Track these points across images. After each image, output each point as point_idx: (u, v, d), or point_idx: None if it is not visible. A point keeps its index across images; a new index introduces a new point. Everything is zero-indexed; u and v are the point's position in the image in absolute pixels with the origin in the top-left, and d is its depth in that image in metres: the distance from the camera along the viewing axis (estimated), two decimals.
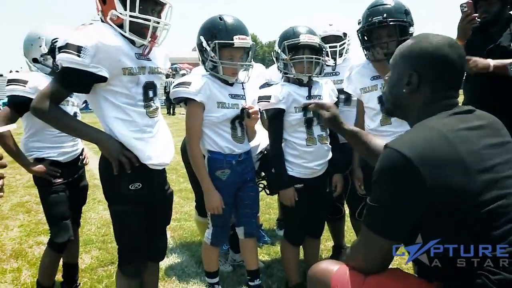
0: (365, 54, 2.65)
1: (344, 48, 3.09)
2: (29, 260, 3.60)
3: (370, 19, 2.51)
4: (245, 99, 2.54)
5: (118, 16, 1.89)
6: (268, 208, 4.80)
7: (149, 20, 1.90)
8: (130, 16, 1.88)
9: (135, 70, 1.96)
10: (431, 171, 1.19)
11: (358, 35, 2.64)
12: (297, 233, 2.71)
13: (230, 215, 2.60)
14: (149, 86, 2.05)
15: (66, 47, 1.80)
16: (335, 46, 3.04)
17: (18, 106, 2.45)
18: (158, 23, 1.95)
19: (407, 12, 2.52)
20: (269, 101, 2.56)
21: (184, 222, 4.47)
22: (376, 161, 1.34)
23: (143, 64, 2.01)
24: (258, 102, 2.65)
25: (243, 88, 2.56)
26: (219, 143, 2.46)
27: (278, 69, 2.69)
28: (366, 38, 2.59)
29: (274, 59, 2.75)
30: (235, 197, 2.58)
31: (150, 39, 1.94)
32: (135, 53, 1.97)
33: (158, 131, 2.09)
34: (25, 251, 3.80)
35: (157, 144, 2.06)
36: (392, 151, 1.27)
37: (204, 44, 2.41)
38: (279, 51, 2.61)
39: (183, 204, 5.18)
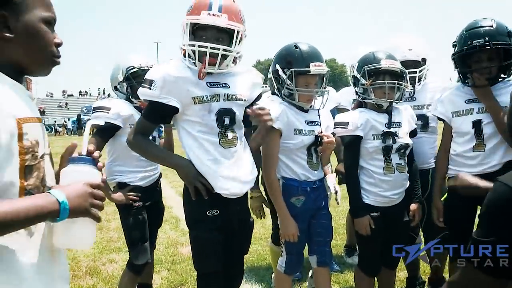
0: (461, 79, 2.55)
1: (422, 73, 2.99)
2: (103, 277, 3.74)
3: (469, 42, 2.39)
4: (320, 125, 2.52)
5: (182, 48, 2.06)
6: (335, 234, 4.67)
7: (205, 47, 1.96)
8: (189, 45, 2.01)
9: (206, 98, 2.05)
10: None
11: (453, 58, 2.53)
12: (373, 264, 2.62)
13: (305, 242, 2.56)
14: (224, 113, 2.09)
15: (143, 82, 2.04)
16: (415, 72, 2.94)
17: (103, 132, 2.59)
18: (218, 49, 1.97)
19: (510, 34, 2.37)
20: (346, 128, 2.53)
21: (251, 245, 4.45)
22: None
23: (217, 91, 2.08)
24: (334, 128, 2.63)
25: (319, 115, 2.55)
26: (295, 170, 2.45)
27: (357, 94, 2.66)
28: (463, 62, 2.48)
29: (352, 84, 2.72)
30: (309, 225, 2.54)
31: (201, 64, 2.01)
32: (207, 82, 2.06)
33: (234, 162, 2.11)
34: (99, 268, 3.96)
35: (229, 174, 2.07)
36: (504, 186, 1.20)
37: (280, 72, 2.44)
38: (358, 76, 2.58)
39: None
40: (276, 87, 2.53)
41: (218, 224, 2.07)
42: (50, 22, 1.23)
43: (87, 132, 1.33)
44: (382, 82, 2.48)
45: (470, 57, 2.43)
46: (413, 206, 2.65)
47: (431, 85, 2.99)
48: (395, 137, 2.50)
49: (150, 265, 2.94)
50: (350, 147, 2.58)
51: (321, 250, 2.54)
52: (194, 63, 2.05)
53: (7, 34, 1.14)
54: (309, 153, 2.47)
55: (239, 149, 2.15)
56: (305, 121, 2.47)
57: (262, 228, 5.10)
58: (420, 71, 2.97)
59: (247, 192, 2.28)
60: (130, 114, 2.63)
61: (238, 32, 2.02)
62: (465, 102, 2.52)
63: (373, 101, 2.53)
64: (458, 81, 2.59)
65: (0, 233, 0.99)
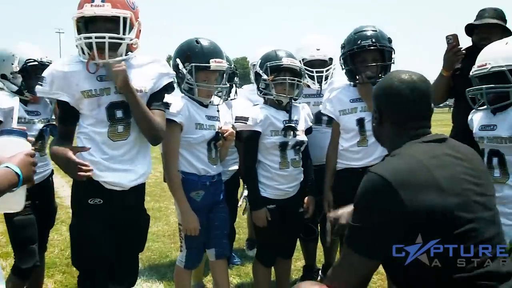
0: (348, 78, 2.77)
1: (329, 72, 3.18)
2: None
3: (359, 42, 2.62)
4: (219, 121, 2.57)
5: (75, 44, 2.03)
6: (238, 228, 4.77)
7: (90, 38, 1.94)
8: (76, 39, 1.99)
9: (95, 92, 2.02)
10: (409, 194, 1.28)
11: (341, 58, 2.76)
12: (269, 254, 2.74)
13: (205, 236, 2.58)
14: (117, 106, 2.05)
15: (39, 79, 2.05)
16: (322, 71, 3.13)
17: None
18: (103, 37, 1.93)
19: (390, 40, 2.69)
20: (246, 123, 2.60)
21: (152, 243, 4.37)
22: None
23: (107, 85, 2.04)
24: (235, 122, 2.70)
25: (218, 110, 2.60)
26: (195, 164, 2.46)
27: (258, 90, 2.75)
28: (351, 62, 2.70)
29: (254, 80, 2.81)
30: (207, 219, 2.57)
31: (88, 56, 1.98)
32: (98, 76, 2.03)
33: (123, 155, 2.07)
34: None
35: (115, 166, 2.05)
36: (373, 174, 1.36)
37: (181, 66, 2.44)
38: (260, 72, 2.68)
39: (151, 224, 5.06)
40: (176, 81, 2.52)
41: (101, 215, 2.03)
42: None
43: (17, 109, 1.57)
44: (283, 78, 2.60)
45: (357, 56, 2.66)
46: (307, 199, 2.81)
47: (337, 84, 3.10)
48: (295, 132, 2.64)
49: (39, 269, 2.76)
50: (249, 142, 2.66)
51: (219, 243, 2.59)
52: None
53: None
54: (209, 148, 2.50)
55: (132, 143, 2.10)
56: (205, 116, 2.50)
57: (166, 225, 5.04)
58: (327, 70, 3.15)
59: (140, 188, 2.21)
60: (11, 107, 2.38)
61: (125, 18, 1.97)
62: (350, 101, 2.74)
63: (274, 97, 2.64)
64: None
65: None
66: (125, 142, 2.08)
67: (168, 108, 2.33)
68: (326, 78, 3.17)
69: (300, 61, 3.13)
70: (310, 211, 2.82)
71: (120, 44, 1.99)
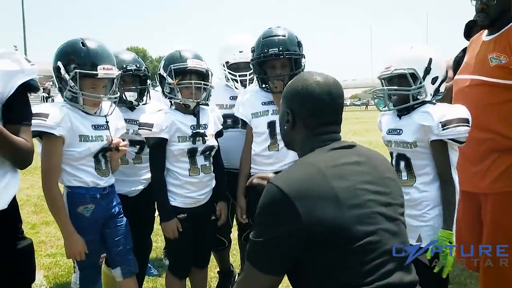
0: (259, 83, 2.70)
1: (253, 76, 3.00)
2: None
3: (266, 50, 2.55)
4: (108, 129, 2.32)
5: None
6: (155, 236, 4.58)
7: None
8: None
9: None
10: (305, 206, 1.23)
11: (251, 64, 2.68)
12: (183, 266, 2.61)
13: (99, 253, 2.38)
14: None
15: None
16: (245, 75, 3.01)
17: None
18: None
19: (299, 44, 2.62)
20: (151, 130, 2.44)
21: (60, 257, 4.06)
22: None
23: None
24: (139, 129, 2.53)
25: (106, 120, 2.32)
26: (81, 178, 2.21)
27: (163, 94, 2.59)
28: (260, 68, 2.63)
29: (158, 82, 2.65)
30: (103, 236, 2.35)
31: None
32: None
33: None
34: None
35: None
36: (272, 186, 1.30)
37: (63, 71, 2.16)
38: (164, 74, 2.52)
39: (60, 237, 4.71)
40: (57, 86, 2.27)
41: None
42: None
43: None
44: (189, 82, 2.47)
45: (266, 63, 2.60)
46: (219, 205, 2.72)
47: (250, 87, 3.00)
48: (204, 138, 2.52)
49: None
50: (155, 150, 2.50)
51: (123, 260, 2.39)
52: None
53: None
54: (96, 160, 2.27)
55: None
56: (91, 125, 2.25)
57: None
58: (251, 73, 2.99)
59: (8, 214, 1.71)
60: None
61: None
62: (262, 104, 2.69)
63: (180, 101, 2.50)
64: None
65: None
66: None
67: (43, 119, 2.06)
68: (252, 80, 3.04)
69: (223, 64, 3.03)
70: (223, 218, 2.74)
71: None
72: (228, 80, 3.10)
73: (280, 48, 2.53)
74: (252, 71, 2.99)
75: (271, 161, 2.65)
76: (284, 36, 2.59)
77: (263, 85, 2.69)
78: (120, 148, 2.29)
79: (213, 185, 2.65)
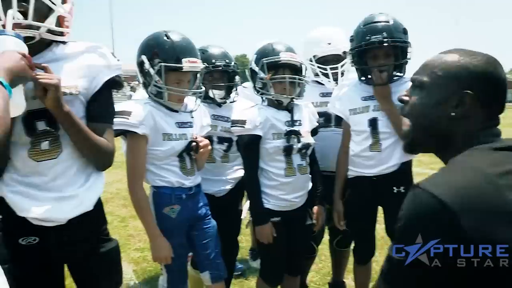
0: (358, 75, 2.45)
1: (345, 67, 2.82)
2: None
3: (368, 37, 2.29)
4: (193, 127, 2.20)
5: None
6: (240, 235, 4.50)
7: None
8: None
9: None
10: (474, 222, 0.95)
11: (350, 54, 2.44)
12: (276, 272, 2.44)
13: (186, 257, 2.29)
14: (37, 116, 1.49)
15: None
16: (336, 68, 2.79)
17: None
18: None
19: (405, 31, 2.34)
20: (244, 127, 2.30)
21: (148, 252, 4.06)
22: None
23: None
24: (231, 126, 2.40)
25: (192, 116, 2.22)
26: (166, 177, 2.12)
27: (254, 89, 2.44)
28: (360, 58, 2.38)
29: (249, 77, 2.50)
30: (191, 238, 2.25)
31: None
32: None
33: (53, 178, 1.54)
34: None
35: (41, 195, 1.53)
36: (426, 194, 0.99)
37: (147, 65, 2.07)
38: (256, 69, 2.36)
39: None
40: (141, 82, 2.19)
41: (36, 256, 1.57)
42: None
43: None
44: (282, 76, 2.28)
45: (367, 53, 2.34)
46: (316, 209, 2.51)
47: (348, 80, 2.78)
48: (299, 136, 2.33)
49: None
50: (249, 148, 2.35)
51: (212, 264, 2.26)
52: None
53: None
54: (181, 159, 2.15)
55: (64, 161, 1.56)
56: (175, 123, 2.13)
57: None
58: (342, 65, 2.80)
59: (93, 216, 1.65)
60: None
61: None
62: (361, 99, 2.44)
63: (273, 97, 2.32)
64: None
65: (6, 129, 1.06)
66: (55, 161, 1.54)
67: (126, 117, 1.99)
68: (343, 74, 2.83)
69: (311, 58, 2.83)
70: (320, 223, 2.53)
71: (49, 12, 1.47)
72: (317, 75, 2.87)
73: (384, 35, 2.26)
74: (343, 63, 2.78)
75: (372, 163, 2.39)
76: (388, 22, 2.31)
77: (363, 78, 2.43)
78: (200, 150, 2.15)
79: (310, 187, 2.45)
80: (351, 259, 2.86)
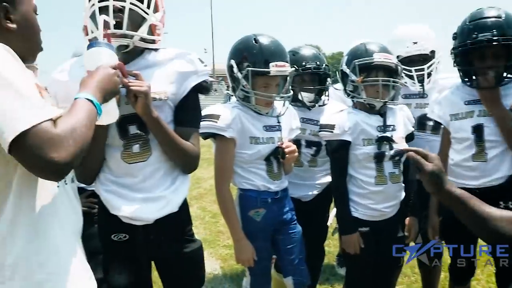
0: (461, 77, 2.23)
1: (432, 68, 2.61)
2: None
3: (474, 35, 2.06)
4: (280, 130, 2.17)
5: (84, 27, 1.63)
6: (327, 239, 4.39)
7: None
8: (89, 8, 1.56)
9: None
10: None
11: (453, 53, 2.21)
12: (362, 285, 2.31)
13: (269, 261, 2.27)
14: (129, 121, 1.57)
15: None
16: (422, 69, 2.58)
17: None
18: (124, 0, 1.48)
19: None
20: (332, 131, 2.22)
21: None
22: (486, 234, 0.99)
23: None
24: (319, 131, 2.33)
25: (278, 121, 2.18)
26: (252, 181, 2.12)
27: (345, 92, 2.34)
28: (465, 58, 2.17)
29: (340, 79, 2.41)
30: (275, 242, 2.24)
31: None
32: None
33: (142, 180, 1.62)
34: None
35: (131, 195, 1.62)
36: None
37: (235, 69, 2.08)
38: (347, 71, 2.26)
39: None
40: (230, 86, 2.20)
41: (126, 252, 1.68)
42: (36, 11, 1.33)
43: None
44: (375, 79, 2.16)
45: (473, 52, 2.10)
46: (408, 221, 2.34)
47: (443, 82, 2.59)
48: (391, 143, 2.19)
49: None
50: (337, 154, 2.26)
51: (296, 270, 2.22)
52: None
53: (11, 25, 1.22)
54: (268, 163, 2.13)
55: (153, 164, 1.63)
56: (263, 126, 2.12)
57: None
58: (429, 66, 2.59)
59: (178, 217, 1.70)
60: None
61: None
62: (464, 103, 2.21)
63: (365, 101, 2.21)
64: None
65: (84, 146, 1.08)
66: (145, 164, 1.62)
67: (215, 120, 2.02)
68: (429, 75, 2.61)
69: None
70: (412, 236, 2.35)
71: (142, 21, 1.53)
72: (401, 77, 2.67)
73: (494, 33, 2.01)
74: (430, 63, 2.55)
75: (475, 174, 2.16)
76: (500, 18, 2.05)
77: (466, 79, 2.20)
78: (286, 155, 2.10)
79: (402, 197, 2.30)
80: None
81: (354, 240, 2.21)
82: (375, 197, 2.21)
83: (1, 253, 1.11)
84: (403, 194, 2.30)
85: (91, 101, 1.17)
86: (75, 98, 1.17)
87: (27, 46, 1.28)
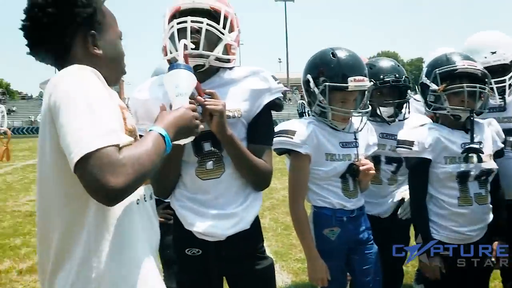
0: None
1: None
2: None
3: None
4: (357, 147, 2.09)
5: (163, 47, 1.68)
6: None
7: (184, 22, 1.54)
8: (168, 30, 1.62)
9: None
10: None
11: None
12: None
13: (345, 279, 2.18)
14: (203, 138, 1.57)
15: None
16: (503, 81, 2.37)
17: None
18: (201, 22, 1.54)
19: None
20: (411, 148, 2.10)
21: None
22: None
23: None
24: (397, 147, 2.22)
25: (355, 138, 2.10)
26: (327, 198, 2.06)
27: (426, 105, 2.21)
28: None
29: (420, 93, 2.28)
30: (350, 262, 2.15)
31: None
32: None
33: (216, 196, 1.64)
34: None
35: (204, 211, 1.65)
36: None
37: (312, 84, 2.04)
38: (427, 82, 2.14)
39: None
40: (306, 100, 2.16)
41: (199, 266, 1.71)
42: (121, 37, 1.40)
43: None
44: (460, 86, 2.01)
45: None
46: (496, 244, 2.13)
47: None
48: (480, 157, 2.03)
49: None
50: (416, 172, 2.14)
51: None
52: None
53: (97, 51, 1.29)
54: (344, 180, 2.05)
55: (226, 181, 1.65)
56: (339, 143, 2.05)
57: None
58: (511, 77, 2.38)
59: (250, 234, 1.69)
60: None
61: (226, 13, 1.59)
62: None
63: (448, 112, 2.07)
64: None
65: (144, 176, 1.09)
66: (219, 180, 1.64)
67: (290, 136, 1.99)
68: (510, 87, 2.38)
69: None
70: (500, 262, 2.15)
71: (218, 41, 1.57)
72: None
73: None
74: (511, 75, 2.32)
75: None
76: None
77: None
78: (361, 171, 2.02)
79: (490, 220, 2.10)
80: None
81: (435, 265, 2.06)
82: (458, 219, 2.05)
83: (87, 267, 1.16)
84: (491, 217, 2.10)
85: (163, 136, 1.20)
86: (150, 130, 1.21)
87: (112, 71, 1.34)
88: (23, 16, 1.27)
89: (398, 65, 2.47)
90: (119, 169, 1.03)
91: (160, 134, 1.19)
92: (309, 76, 2.07)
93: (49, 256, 1.20)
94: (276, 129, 2.04)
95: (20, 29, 1.28)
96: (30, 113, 41.15)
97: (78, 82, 1.13)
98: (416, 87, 2.35)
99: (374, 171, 2.07)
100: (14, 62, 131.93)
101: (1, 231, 5.57)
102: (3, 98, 47.74)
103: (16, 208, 6.87)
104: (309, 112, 2.19)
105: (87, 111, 1.07)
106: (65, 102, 1.08)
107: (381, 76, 2.35)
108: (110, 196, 1.04)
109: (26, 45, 1.30)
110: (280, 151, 2.08)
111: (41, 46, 1.28)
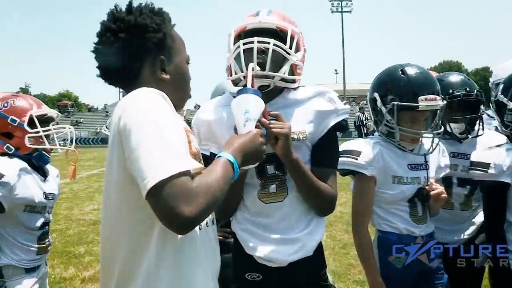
0: None
1: None
2: None
3: None
4: (427, 169, 1.95)
5: (227, 67, 1.68)
6: None
7: (251, 42, 1.51)
8: (233, 51, 1.62)
9: None
10: None
11: None
12: None
13: None
14: (267, 161, 1.49)
15: None
16: None
17: None
18: (268, 42, 1.51)
19: None
20: (487, 171, 1.94)
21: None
22: None
23: None
24: (470, 168, 2.07)
25: (425, 159, 1.97)
26: (393, 223, 1.94)
27: (502, 125, 2.07)
28: None
29: (495, 112, 2.11)
30: None
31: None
32: None
33: (278, 220, 1.60)
34: None
35: (266, 235, 1.60)
36: None
37: (379, 103, 1.95)
38: (504, 100, 1.99)
39: None
40: (373, 120, 2.06)
41: None
42: (188, 61, 1.42)
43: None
44: None
45: None
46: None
47: None
48: None
49: None
50: (493, 196, 1.98)
51: None
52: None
53: (165, 76, 1.32)
54: (412, 204, 1.93)
55: (288, 205, 1.60)
56: (407, 165, 1.94)
57: None
58: None
59: (312, 260, 1.62)
60: None
61: (293, 33, 1.56)
62: None
63: None
64: None
65: (214, 205, 1.09)
66: (282, 204, 1.60)
67: (355, 157, 1.91)
68: None
69: None
70: (501, 263, 1.92)
71: (283, 61, 1.55)
72: None
73: None
74: None
75: None
76: None
77: None
78: (432, 196, 1.89)
79: None
80: None
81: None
82: None
83: None
84: None
85: (232, 163, 1.19)
86: (218, 156, 1.20)
87: (178, 95, 1.36)
88: (96, 39, 1.30)
89: (469, 79, 2.31)
90: (193, 198, 1.03)
91: (229, 160, 1.19)
92: (376, 94, 1.99)
93: (112, 275, 1.21)
94: (341, 148, 1.95)
95: (92, 51, 1.31)
96: (96, 124, 43.45)
97: (148, 105, 1.14)
98: (493, 109, 2.16)
99: (446, 196, 1.93)
100: (82, 75, 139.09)
101: (67, 239, 5.85)
102: (72, 110, 50.86)
103: (81, 217, 7.21)
104: (366, 123, 2.10)
105: (158, 135, 1.08)
106: (136, 126, 1.09)
107: (450, 91, 2.21)
108: (183, 225, 1.05)
109: (97, 67, 1.33)
110: (344, 172, 2.00)
111: (111, 70, 1.31)
